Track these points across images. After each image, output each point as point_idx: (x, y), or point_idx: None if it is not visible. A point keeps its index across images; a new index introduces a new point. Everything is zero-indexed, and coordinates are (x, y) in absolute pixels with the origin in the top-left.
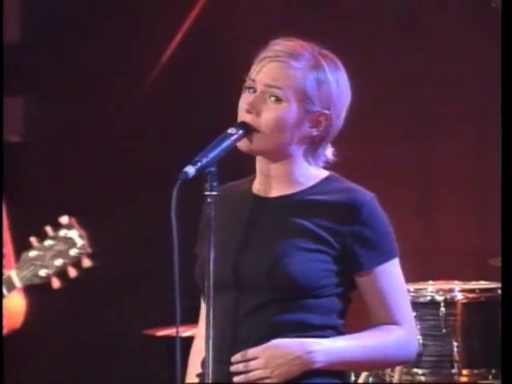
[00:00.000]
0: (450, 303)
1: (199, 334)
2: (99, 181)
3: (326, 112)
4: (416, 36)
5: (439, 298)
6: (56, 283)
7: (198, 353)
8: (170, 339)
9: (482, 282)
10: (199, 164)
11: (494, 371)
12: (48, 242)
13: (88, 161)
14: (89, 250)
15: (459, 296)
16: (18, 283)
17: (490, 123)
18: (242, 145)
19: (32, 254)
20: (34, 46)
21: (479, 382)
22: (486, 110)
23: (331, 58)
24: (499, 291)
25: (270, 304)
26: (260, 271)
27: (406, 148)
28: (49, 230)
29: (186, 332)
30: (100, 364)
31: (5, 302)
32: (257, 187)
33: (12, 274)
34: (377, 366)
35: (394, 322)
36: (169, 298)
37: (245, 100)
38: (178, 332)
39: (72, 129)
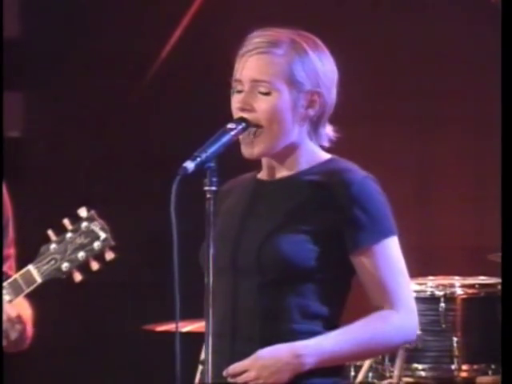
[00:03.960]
0: (450, 298)
1: None
2: (99, 176)
3: (318, 90)
4: (417, 29)
5: (439, 294)
6: (78, 277)
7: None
8: (170, 334)
9: (482, 278)
10: (198, 159)
11: (493, 366)
12: (69, 235)
13: (88, 156)
14: (112, 243)
15: (459, 291)
16: (39, 278)
17: (490, 119)
18: (247, 152)
19: (52, 247)
20: (33, 41)
21: (479, 377)
22: (486, 106)
23: (309, 38)
24: (499, 286)
25: (264, 287)
26: (253, 253)
27: (405, 144)
28: (67, 222)
29: (185, 327)
30: (100, 359)
31: (20, 310)
32: (261, 173)
33: (31, 268)
34: (374, 355)
35: (389, 304)
36: (169, 293)
37: (235, 100)
38: (177, 327)
39: (72, 124)
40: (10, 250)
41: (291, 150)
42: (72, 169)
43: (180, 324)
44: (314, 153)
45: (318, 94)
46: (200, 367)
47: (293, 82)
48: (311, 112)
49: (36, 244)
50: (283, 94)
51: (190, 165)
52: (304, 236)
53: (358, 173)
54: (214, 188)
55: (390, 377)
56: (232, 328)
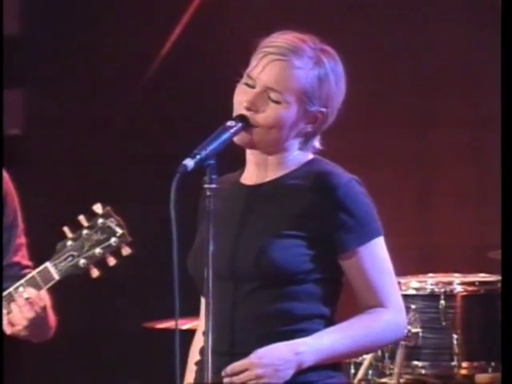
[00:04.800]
0: (450, 296)
1: (201, 326)
2: (99, 173)
3: (324, 110)
4: (417, 28)
5: (439, 291)
6: (95, 273)
7: (199, 343)
8: (170, 332)
9: (482, 275)
10: (198, 157)
11: (493, 364)
12: (85, 232)
13: (88, 153)
14: (129, 239)
15: (459, 289)
16: (56, 275)
17: (490, 116)
18: (239, 139)
19: (68, 244)
20: (33, 38)
21: (478, 374)
22: (487, 103)
23: (330, 54)
24: (499, 284)
25: (257, 292)
26: (243, 259)
27: (406, 142)
28: (82, 219)
29: (185, 325)
30: (100, 356)
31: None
32: (244, 177)
33: (49, 266)
34: (369, 351)
35: (379, 304)
36: (168, 291)
37: (243, 95)
38: (177, 325)
39: (72, 122)
40: (21, 240)
41: (279, 155)
42: (72, 166)
43: (180, 321)
44: (296, 154)
45: (322, 113)
46: (194, 368)
47: (304, 99)
48: (309, 128)
49: (37, 238)
50: (292, 107)
51: (189, 162)
52: (293, 241)
53: (342, 176)
54: (213, 185)
55: (390, 374)
56: (229, 331)
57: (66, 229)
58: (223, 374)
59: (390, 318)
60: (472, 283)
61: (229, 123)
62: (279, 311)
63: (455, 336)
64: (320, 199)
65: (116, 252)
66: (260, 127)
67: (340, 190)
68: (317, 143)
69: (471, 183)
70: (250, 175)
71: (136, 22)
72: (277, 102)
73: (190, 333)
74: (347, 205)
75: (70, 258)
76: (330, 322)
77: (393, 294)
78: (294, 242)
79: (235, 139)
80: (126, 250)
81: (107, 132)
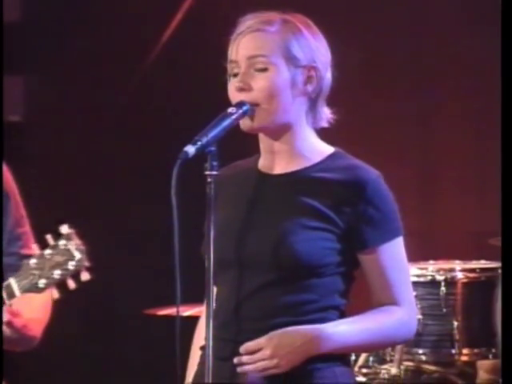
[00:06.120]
0: (451, 283)
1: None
2: (100, 163)
3: (314, 65)
4: (419, 16)
5: (440, 278)
6: (55, 294)
7: (203, 329)
8: (171, 318)
9: (483, 262)
10: (199, 143)
11: (494, 350)
12: (48, 252)
13: (89, 141)
14: (86, 264)
15: (460, 275)
16: (18, 292)
17: (491, 104)
18: (245, 124)
19: (32, 262)
20: (34, 25)
21: (479, 360)
22: (487, 91)
23: (302, 18)
24: (499, 271)
25: (273, 283)
26: (263, 249)
27: (408, 128)
28: (49, 238)
29: (186, 311)
30: (101, 343)
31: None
32: (262, 164)
33: (12, 282)
34: (377, 348)
35: (394, 302)
36: (169, 278)
37: (232, 83)
38: (178, 311)
39: (72, 108)
40: (23, 229)
41: (290, 133)
42: (72, 154)
43: (181, 308)
44: (317, 145)
45: (314, 69)
46: (199, 352)
47: (289, 57)
48: (309, 88)
49: (37, 227)
50: (281, 69)
51: (190, 149)
52: (317, 233)
53: (370, 172)
54: (214, 172)
55: (391, 361)
56: (238, 319)
57: (34, 245)
58: (241, 349)
59: (404, 317)
60: (473, 270)
61: (230, 110)
62: (294, 303)
63: (456, 323)
64: (348, 193)
65: (76, 276)
66: (261, 106)
67: (370, 185)
68: (327, 112)
69: (472, 170)
70: (269, 163)
71: (137, 9)
72: (264, 70)
73: (191, 319)
74: (376, 201)
75: (31, 277)
76: (343, 313)
77: (408, 293)
78: (318, 235)
79: (243, 128)
80: (84, 276)
81: (107, 118)
